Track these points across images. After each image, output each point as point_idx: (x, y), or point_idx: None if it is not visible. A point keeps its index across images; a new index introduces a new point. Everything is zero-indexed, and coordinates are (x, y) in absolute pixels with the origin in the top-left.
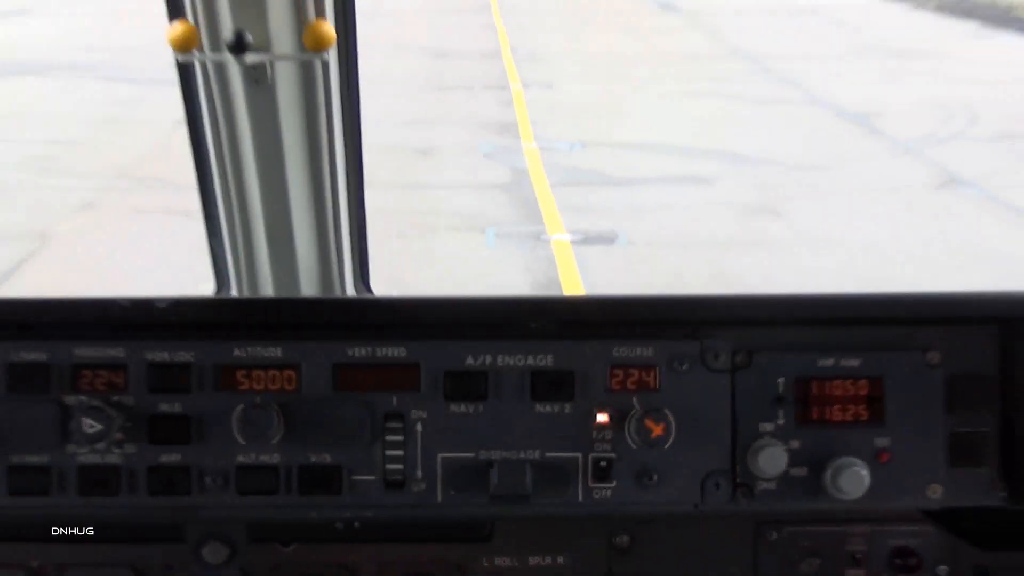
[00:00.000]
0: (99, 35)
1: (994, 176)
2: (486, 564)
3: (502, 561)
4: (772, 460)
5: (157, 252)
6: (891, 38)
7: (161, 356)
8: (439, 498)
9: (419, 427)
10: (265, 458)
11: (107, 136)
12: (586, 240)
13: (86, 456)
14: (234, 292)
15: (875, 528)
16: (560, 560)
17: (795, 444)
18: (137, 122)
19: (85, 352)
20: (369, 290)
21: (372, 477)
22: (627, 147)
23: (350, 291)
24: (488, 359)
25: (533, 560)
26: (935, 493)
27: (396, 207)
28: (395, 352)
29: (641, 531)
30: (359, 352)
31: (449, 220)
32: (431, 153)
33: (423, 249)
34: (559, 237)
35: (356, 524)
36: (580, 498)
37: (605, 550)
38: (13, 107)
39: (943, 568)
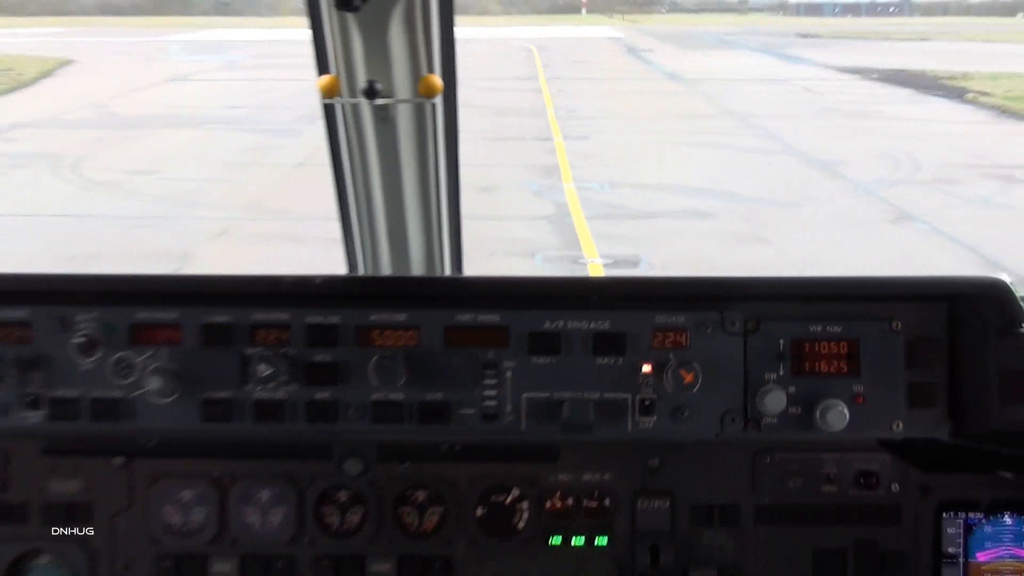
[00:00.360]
0: (241, 96)
1: (936, 213)
2: (551, 479)
3: (563, 477)
4: (775, 401)
5: (273, 269)
6: (846, 101)
7: (316, 319)
8: (523, 427)
9: (508, 374)
10: (393, 396)
11: (240, 176)
12: (615, 263)
13: (259, 393)
14: (363, 271)
15: (844, 455)
16: (606, 477)
17: (792, 389)
18: (264, 165)
19: (259, 316)
20: (462, 274)
21: (472, 411)
22: (645, 187)
23: (448, 273)
24: (561, 323)
25: (587, 477)
26: (897, 427)
27: (464, 233)
28: (491, 318)
29: (669, 455)
30: (463, 318)
31: (506, 246)
32: (492, 190)
33: (485, 270)
34: (594, 261)
35: (457, 447)
36: (629, 429)
37: (641, 470)
38: (171, 153)
39: (895, 486)
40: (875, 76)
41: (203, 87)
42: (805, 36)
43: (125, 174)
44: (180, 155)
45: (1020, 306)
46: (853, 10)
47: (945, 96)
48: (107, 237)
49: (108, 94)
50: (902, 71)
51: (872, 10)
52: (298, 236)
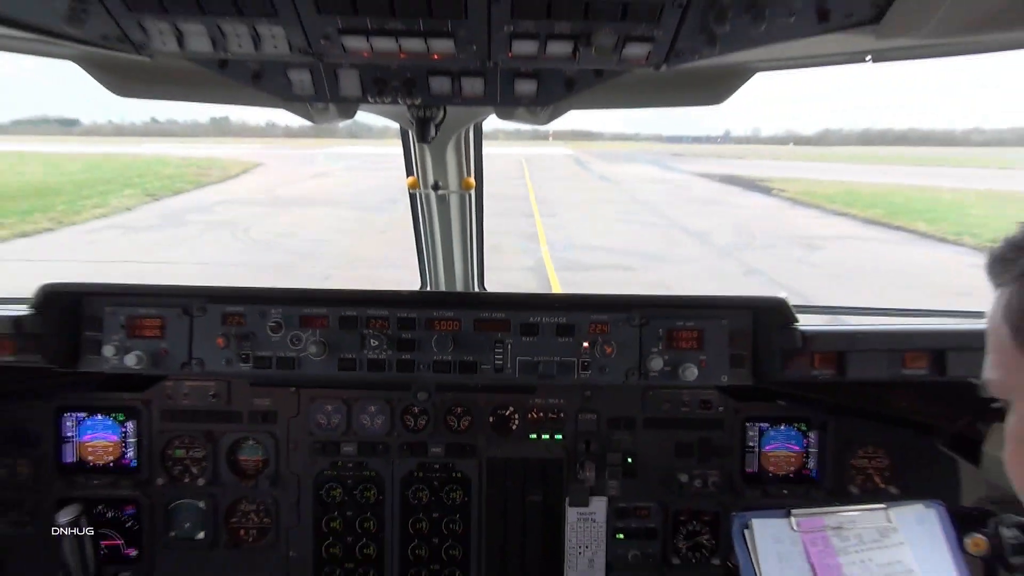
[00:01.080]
0: (353, 186)
1: (770, 268)
2: (531, 403)
3: (538, 401)
4: (656, 363)
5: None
6: (702, 194)
7: (403, 314)
8: (516, 376)
9: (509, 346)
10: (445, 358)
11: (342, 238)
12: None
13: (370, 355)
14: (429, 287)
15: (694, 392)
16: (561, 402)
17: (666, 356)
18: (360, 232)
19: (372, 312)
20: (484, 289)
21: (488, 367)
22: (590, 248)
23: (477, 289)
24: (539, 318)
25: (551, 401)
26: (724, 379)
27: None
28: (500, 315)
29: (596, 391)
30: (484, 315)
31: (506, 285)
32: (497, 249)
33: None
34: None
35: (479, 386)
36: (575, 377)
37: (580, 398)
38: (302, 223)
39: (721, 408)
40: (717, 178)
41: (331, 180)
42: (675, 155)
43: (275, 236)
44: (307, 225)
45: (792, 313)
46: (700, 140)
47: (760, 192)
48: (256, 276)
49: (276, 184)
50: (732, 176)
51: (710, 140)
52: (381, 277)
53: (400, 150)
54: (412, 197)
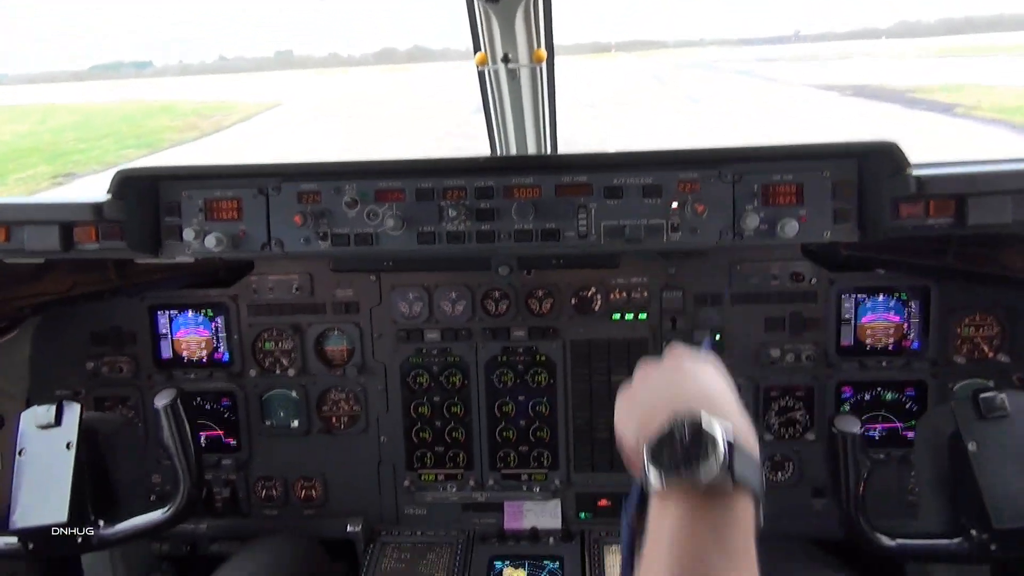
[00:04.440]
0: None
1: None
2: (613, 281)
3: (620, 279)
4: (752, 220)
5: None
6: (867, 124)
7: (480, 183)
8: (602, 242)
9: (593, 211)
10: (526, 226)
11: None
12: None
13: (449, 227)
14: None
15: (783, 263)
16: (644, 279)
17: (762, 214)
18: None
19: (449, 182)
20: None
21: (572, 234)
22: None
23: (550, 152)
24: (623, 180)
25: (634, 279)
26: (827, 235)
27: None
28: (581, 178)
29: (681, 264)
30: (565, 179)
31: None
32: None
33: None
34: None
35: (560, 260)
36: (664, 240)
37: (664, 274)
38: None
39: (813, 280)
40: (849, 91)
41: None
42: (763, 61)
43: None
44: None
45: (905, 156)
46: (772, 41)
47: (938, 111)
48: None
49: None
50: (870, 87)
51: (782, 40)
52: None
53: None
54: (481, 75)
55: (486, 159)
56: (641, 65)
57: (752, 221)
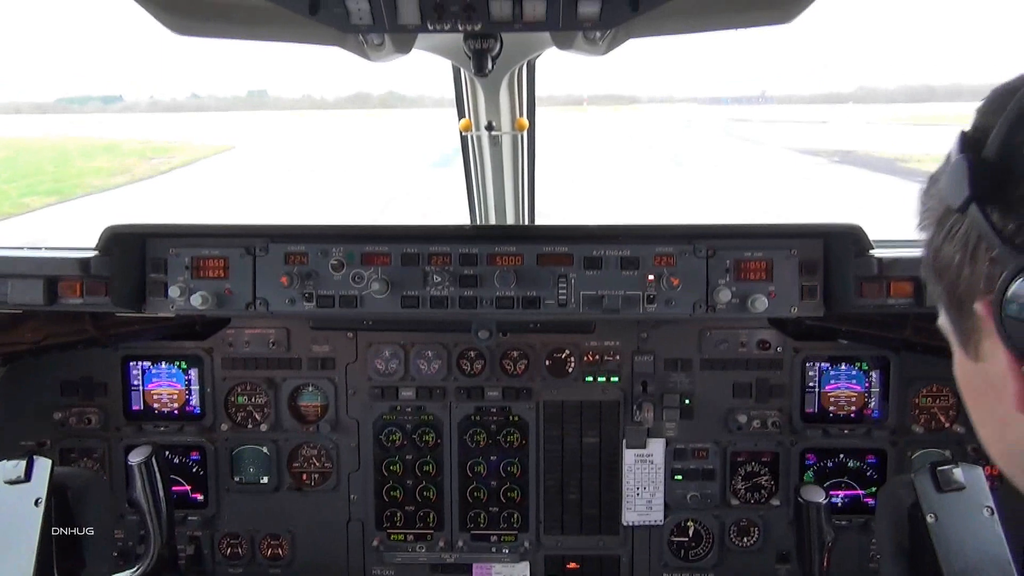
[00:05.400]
0: None
1: None
2: (587, 344)
3: (594, 343)
4: (724, 295)
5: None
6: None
7: (465, 250)
8: (580, 310)
9: (573, 280)
10: (508, 293)
11: None
12: None
13: (433, 292)
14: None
15: (751, 331)
16: (617, 343)
17: (733, 288)
18: None
19: (434, 248)
20: (535, 222)
21: (552, 301)
22: None
23: (526, 222)
24: (602, 251)
25: (607, 343)
26: (794, 310)
27: None
28: (563, 249)
29: (652, 331)
30: (547, 248)
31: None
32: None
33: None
34: None
35: (537, 325)
36: (640, 311)
37: (636, 339)
38: None
39: (779, 348)
40: (836, 158)
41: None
42: (737, 121)
43: None
44: None
45: (868, 240)
46: (739, 101)
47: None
48: None
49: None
50: (849, 152)
51: (749, 100)
52: None
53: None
54: (464, 140)
55: (472, 227)
56: (614, 119)
57: (724, 295)
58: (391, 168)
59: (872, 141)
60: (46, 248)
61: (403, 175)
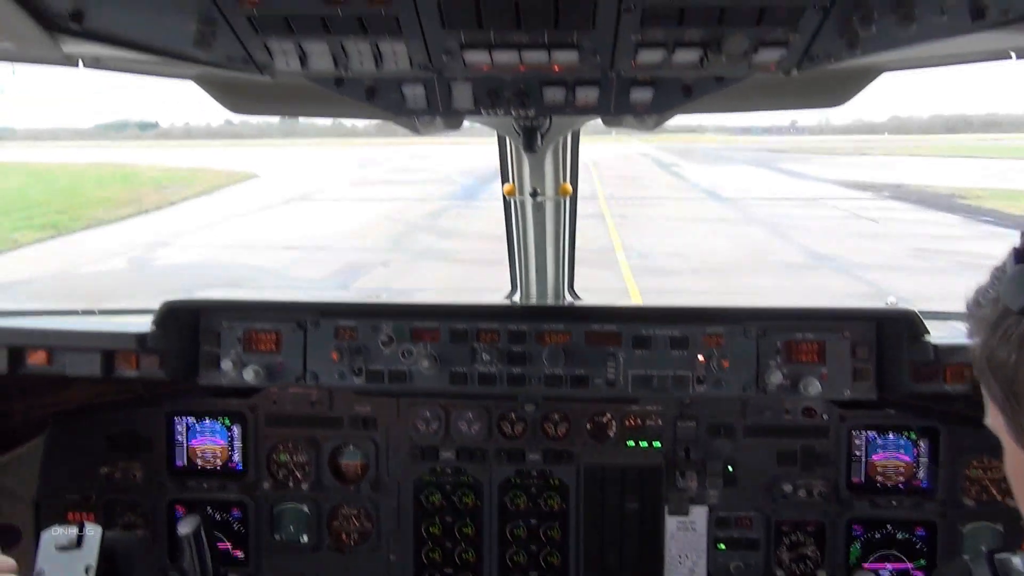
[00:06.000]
0: None
1: None
2: (630, 409)
3: (636, 408)
4: (776, 377)
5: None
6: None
7: (513, 327)
8: (629, 391)
9: (622, 360)
10: (556, 371)
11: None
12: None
13: (481, 368)
14: (520, 292)
15: (804, 404)
16: (660, 408)
17: (785, 370)
18: None
19: (483, 325)
20: (576, 295)
21: (600, 380)
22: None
23: (567, 298)
24: (652, 331)
25: (649, 408)
26: (846, 393)
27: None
28: (611, 328)
29: (695, 399)
30: (595, 327)
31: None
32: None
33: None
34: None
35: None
36: (691, 392)
37: (679, 405)
38: None
39: (825, 416)
40: (886, 194)
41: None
42: (774, 152)
43: None
44: None
45: (923, 325)
46: (770, 131)
47: (1000, 223)
48: None
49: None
50: (900, 186)
51: (779, 131)
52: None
53: (495, 158)
54: (506, 203)
55: (521, 307)
56: (643, 149)
57: (776, 378)
58: (401, 211)
59: (919, 174)
60: (99, 312)
61: (409, 217)
